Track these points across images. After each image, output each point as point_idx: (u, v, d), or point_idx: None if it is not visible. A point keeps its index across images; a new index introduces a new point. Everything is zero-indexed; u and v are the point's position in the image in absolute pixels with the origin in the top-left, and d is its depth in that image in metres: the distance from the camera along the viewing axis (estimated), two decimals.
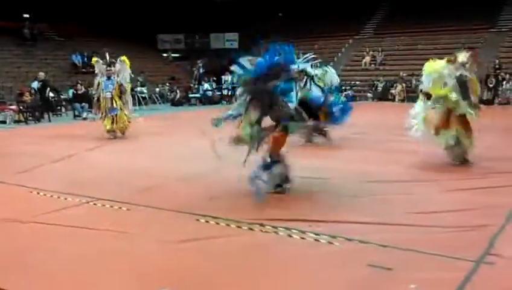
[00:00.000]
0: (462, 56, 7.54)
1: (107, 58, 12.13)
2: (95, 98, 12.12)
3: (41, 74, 18.73)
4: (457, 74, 7.42)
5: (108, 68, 11.69)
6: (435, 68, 7.55)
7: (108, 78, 11.63)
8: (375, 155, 8.64)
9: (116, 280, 3.80)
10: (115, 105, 11.52)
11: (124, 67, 11.77)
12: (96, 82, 12.01)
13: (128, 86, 11.98)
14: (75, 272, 3.91)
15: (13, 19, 25.58)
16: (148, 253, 4.28)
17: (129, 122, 11.78)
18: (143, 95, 23.41)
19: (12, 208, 5.68)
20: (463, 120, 7.56)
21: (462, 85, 7.39)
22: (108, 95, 11.55)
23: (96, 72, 12.07)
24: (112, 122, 11.53)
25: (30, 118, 16.95)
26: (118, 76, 11.61)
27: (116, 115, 11.51)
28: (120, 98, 11.63)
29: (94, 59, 12.31)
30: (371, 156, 8.50)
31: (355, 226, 4.84)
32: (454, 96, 7.31)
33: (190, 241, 4.51)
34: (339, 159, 8.50)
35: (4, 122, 16.82)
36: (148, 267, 3.99)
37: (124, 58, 11.95)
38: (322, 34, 30.29)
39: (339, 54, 29.18)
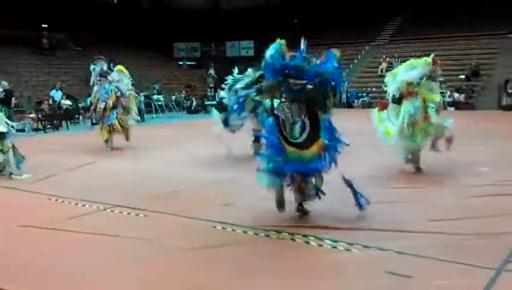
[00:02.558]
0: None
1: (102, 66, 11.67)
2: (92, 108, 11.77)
3: (5, 83, 17.61)
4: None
5: (101, 77, 11.36)
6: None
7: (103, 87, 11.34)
8: (390, 161, 8.56)
9: (133, 286, 3.80)
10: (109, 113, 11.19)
11: (121, 76, 11.50)
12: (94, 90, 11.57)
13: (131, 94, 11.73)
14: (92, 278, 3.92)
15: (32, 29, 26.01)
16: (165, 260, 4.28)
17: (126, 128, 11.35)
18: (159, 103, 23.58)
19: (31, 215, 5.73)
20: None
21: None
22: (103, 104, 11.23)
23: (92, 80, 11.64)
24: (109, 132, 11.17)
25: (48, 126, 17.16)
26: (113, 85, 11.30)
27: (111, 124, 11.11)
28: (116, 106, 11.24)
29: (92, 67, 11.81)
30: (386, 162, 8.42)
31: (373, 233, 4.79)
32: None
33: (207, 249, 4.51)
34: (353, 164, 8.42)
35: (23, 130, 17.03)
36: (165, 274, 3.99)
37: (120, 67, 11.72)
38: (338, 41, 30.18)
39: (355, 61, 29.08)
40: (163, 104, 23.84)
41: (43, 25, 27.28)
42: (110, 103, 11.17)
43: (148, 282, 3.85)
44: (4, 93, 16.78)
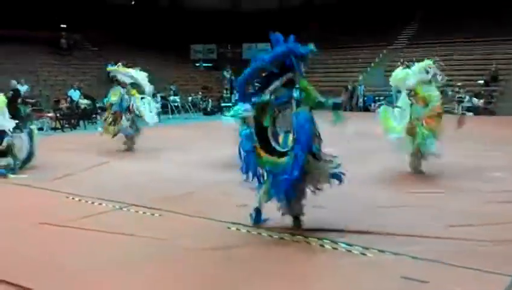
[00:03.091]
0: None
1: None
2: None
3: (14, 82, 17.54)
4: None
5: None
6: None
7: None
8: (405, 166, 8.51)
9: (145, 285, 3.83)
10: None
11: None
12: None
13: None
14: (107, 276, 3.97)
15: (51, 30, 26.35)
16: (179, 260, 4.31)
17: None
18: (176, 104, 23.71)
19: (49, 212, 5.80)
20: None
21: None
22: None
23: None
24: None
25: (66, 125, 17.35)
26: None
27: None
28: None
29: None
30: (401, 166, 8.38)
31: (388, 237, 4.77)
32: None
33: (220, 250, 4.53)
34: (368, 168, 8.39)
35: (41, 129, 17.25)
36: (177, 274, 4.02)
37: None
38: (355, 44, 30.12)
39: (372, 64, 28.93)
40: (179, 105, 23.96)
41: (62, 26, 27.61)
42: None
43: (161, 281, 3.88)
44: (12, 93, 16.98)
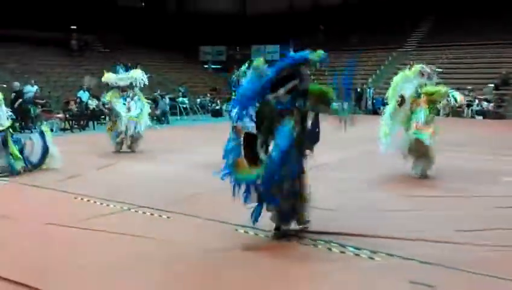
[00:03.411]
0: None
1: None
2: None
3: (16, 84, 17.68)
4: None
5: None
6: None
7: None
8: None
9: (152, 286, 3.84)
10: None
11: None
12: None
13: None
14: (113, 277, 3.98)
15: (61, 31, 26.52)
16: (186, 261, 4.31)
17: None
18: (184, 106, 23.77)
19: (57, 213, 5.83)
20: None
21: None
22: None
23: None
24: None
25: (75, 126, 17.45)
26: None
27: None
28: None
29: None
30: (409, 170, 8.35)
31: (396, 241, 4.73)
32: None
33: (228, 252, 4.52)
34: (376, 173, 8.37)
35: (51, 130, 17.35)
36: (184, 275, 4.02)
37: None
38: (364, 47, 30.06)
39: (382, 67, 28.84)
40: (188, 106, 24.02)
41: (72, 27, 27.79)
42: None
43: (167, 283, 3.89)
44: (15, 94, 17.07)
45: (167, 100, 22.09)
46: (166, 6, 34.66)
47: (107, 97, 11.31)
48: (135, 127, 10.94)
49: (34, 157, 8.50)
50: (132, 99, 11.24)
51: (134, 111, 11.07)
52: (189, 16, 32.93)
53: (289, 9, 34.51)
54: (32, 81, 19.73)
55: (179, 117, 22.52)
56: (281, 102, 4.67)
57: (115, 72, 11.56)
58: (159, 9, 33.08)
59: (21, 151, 8.36)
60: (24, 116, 16.46)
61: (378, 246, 4.55)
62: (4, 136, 8.22)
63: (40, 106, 18.39)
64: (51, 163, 8.66)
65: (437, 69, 8.43)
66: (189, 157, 10.20)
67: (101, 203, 6.32)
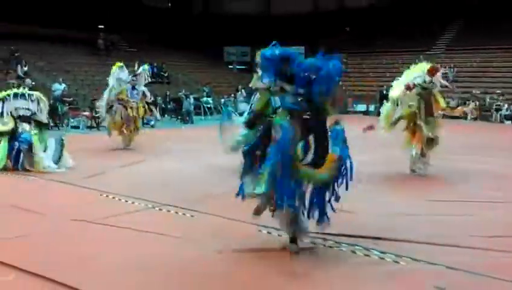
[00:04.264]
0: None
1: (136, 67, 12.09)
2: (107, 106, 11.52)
3: (28, 81, 17.51)
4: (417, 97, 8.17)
5: (134, 78, 11.67)
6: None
7: (133, 87, 11.57)
8: (443, 175, 8.36)
9: (174, 285, 3.86)
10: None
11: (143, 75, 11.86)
12: (109, 88, 11.51)
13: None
14: (135, 274, 3.99)
15: (89, 30, 26.92)
16: (208, 261, 4.32)
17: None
18: (208, 106, 23.90)
19: (82, 210, 5.91)
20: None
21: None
22: (135, 104, 11.51)
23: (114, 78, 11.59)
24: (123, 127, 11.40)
25: (102, 124, 17.67)
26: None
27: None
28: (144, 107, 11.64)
29: (118, 64, 12.00)
30: (439, 176, 8.25)
31: (422, 246, 4.66)
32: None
33: (250, 252, 4.52)
34: (397, 176, 8.29)
35: (78, 127, 17.66)
36: (206, 274, 4.02)
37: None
38: (391, 49, 29.78)
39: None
40: (212, 106, 24.13)
41: (99, 26, 28.18)
42: (140, 103, 11.63)
43: (189, 282, 3.90)
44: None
45: (192, 100, 22.22)
46: (192, 7, 34.88)
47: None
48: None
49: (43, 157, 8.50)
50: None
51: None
52: (214, 17, 33.08)
53: (314, 10, 34.39)
54: (60, 80, 20.07)
55: (203, 117, 22.64)
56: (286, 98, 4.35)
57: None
58: (185, 10, 33.30)
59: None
60: (52, 114, 16.75)
61: (404, 250, 4.49)
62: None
63: (67, 104, 18.71)
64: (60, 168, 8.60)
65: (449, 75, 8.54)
66: (214, 156, 10.21)
67: (126, 201, 6.38)
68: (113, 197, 6.57)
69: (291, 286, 3.82)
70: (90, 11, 27.51)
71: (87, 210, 5.86)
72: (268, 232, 5.06)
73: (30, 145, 8.36)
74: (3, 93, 8.83)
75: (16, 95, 8.75)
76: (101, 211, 5.80)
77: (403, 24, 30.53)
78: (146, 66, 12.10)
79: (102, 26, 28.30)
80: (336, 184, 4.35)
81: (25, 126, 8.59)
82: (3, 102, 8.64)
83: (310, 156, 4.28)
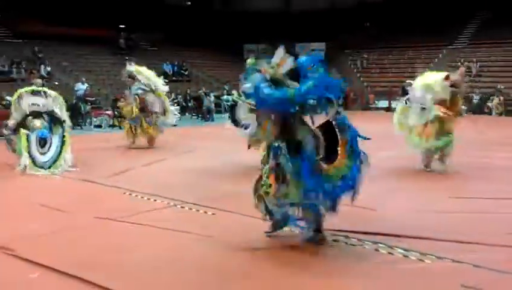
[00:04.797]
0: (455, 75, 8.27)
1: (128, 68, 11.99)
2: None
3: (38, 81, 18.17)
4: (450, 89, 8.00)
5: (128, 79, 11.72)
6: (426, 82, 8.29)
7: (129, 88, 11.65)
8: (466, 171, 8.23)
9: (194, 282, 3.87)
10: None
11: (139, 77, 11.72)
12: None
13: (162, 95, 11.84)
14: (156, 271, 4.02)
15: (110, 30, 27.19)
16: (230, 258, 4.33)
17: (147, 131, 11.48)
18: (229, 103, 23.89)
19: (106, 207, 5.97)
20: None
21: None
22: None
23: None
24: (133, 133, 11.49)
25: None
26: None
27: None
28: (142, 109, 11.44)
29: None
30: (462, 172, 8.11)
31: (446, 244, 4.59)
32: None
33: (272, 250, 4.51)
34: (424, 172, 8.17)
35: (100, 126, 17.88)
36: (227, 272, 4.04)
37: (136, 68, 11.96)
38: (413, 44, 29.43)
39: (431, 65, 28.14)
40: None
41: (121, 26, 28.44)
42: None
43: (209, 280, 3.90)
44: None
45: (212, 98, 22.29)
46: (212, 4, 34.93)
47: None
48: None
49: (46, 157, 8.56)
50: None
51: None
52: (234, 14, 33.07)
53: (333, 6, 34.10)
54: (83, 79, 20.31)
55: (223, 115, 22.67)
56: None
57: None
58: (205, 8, 33.37)
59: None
60: (75, 114, 16.98)
61: (428, 248, 4.42)
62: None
63: (90, 103, 18.93)
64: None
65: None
66: (235, 154, 10.24)
67: (148, 199, 6.43)
68: (136, 195, 6.63)
69: (312, 285, 3.79)
70: (112, 10, 27.77)
71: (110, 208, 5.92)
72: (291, 230, 5.04)
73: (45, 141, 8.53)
74: (22, 90, 8.98)
75: (33, 92, 8.88)
76: (124, 209, 5.86)
77: (424, 17, 30.07)
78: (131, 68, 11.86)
79: (123, 26, 28.55)
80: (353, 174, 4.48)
81: (36, 122, 8.65)
82: (20, 98, 8.77)
83: (321, 151, 4.39)
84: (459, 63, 26.55)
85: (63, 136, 8.84)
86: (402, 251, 4.38)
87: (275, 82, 4.28)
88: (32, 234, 4.88)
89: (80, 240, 4.80)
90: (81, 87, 19.66)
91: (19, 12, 24.70)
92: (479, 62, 26.20)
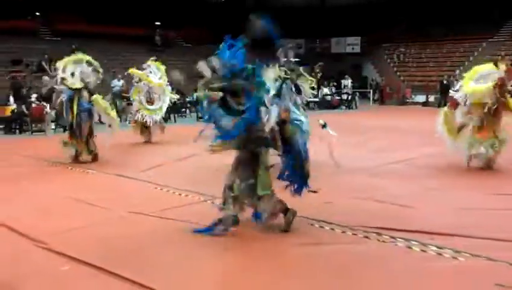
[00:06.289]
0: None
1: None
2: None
3: (46, 78, 18.06)
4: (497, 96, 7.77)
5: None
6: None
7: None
8: (498, 168, 7.97)
9: (227, 278, 3.89)
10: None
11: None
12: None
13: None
14: (189, 268, 4.03)
15: (146, 27, 27.58)
16: (262, 255, 4.32)
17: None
18: None
19: (139, 202, 6.06)
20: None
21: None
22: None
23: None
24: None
25: None
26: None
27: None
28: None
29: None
30: (495, 169, 7.87)
31: (481, 241, 4.46)
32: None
33: (302, 246, 4.46)
34: (455, 170, 7.97)
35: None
36: (258, 268, 4.02)
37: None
38: (451, 37, 28.74)
39: (471, 58, 27.40)
40: None
41: (156, 23, 28.79)
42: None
43: (242, 276, 3.91)
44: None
45: None
46: (245, 1, 34.97)
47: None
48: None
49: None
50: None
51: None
52: (267, 10, 32.95)
53: (369, 0, 33.66)
54: (119, 76, 20.63)
55: None
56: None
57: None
58: (239, 3, 33.43)
59: None
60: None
61: (462, 245, 4.31)
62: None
63: (125, 100, 19.23)
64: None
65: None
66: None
67: (180, 194, 6.49)
68: (168, 190, 6.70)
69: (343, 284, 3.74)
70: (147, 8, 28.15)
71: (143, 203, 6.00)
72: (321, 227, 5.00)
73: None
74: (80, 56, 9.55)
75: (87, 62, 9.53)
76: (157, 204, 5.92)
77: (463, 10, 29.29)
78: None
79: (159, 23, 28.91)
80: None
81: (85, 93, 9.07)
82: (77, 64, 9.29)
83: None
84: (499, 56, 25.78)
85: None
86: (435, 249, 4.28)
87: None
88: (65, 228, 4.98)
89: (111, 234, 4.87)
90: (117, 83, 19.99)
91: (58, 11, 25.33)
92: None
